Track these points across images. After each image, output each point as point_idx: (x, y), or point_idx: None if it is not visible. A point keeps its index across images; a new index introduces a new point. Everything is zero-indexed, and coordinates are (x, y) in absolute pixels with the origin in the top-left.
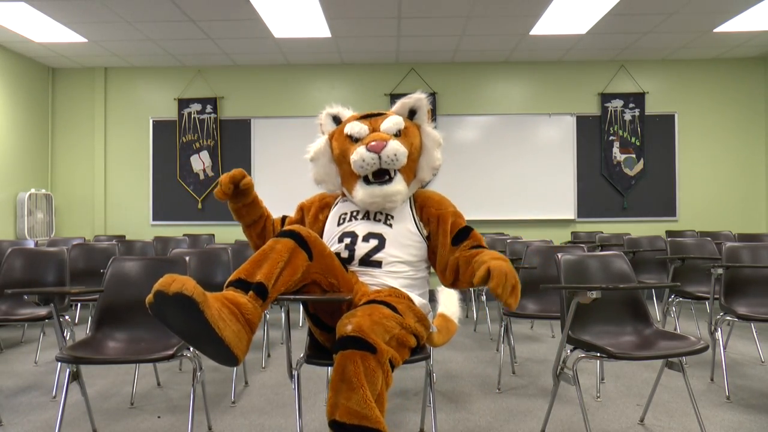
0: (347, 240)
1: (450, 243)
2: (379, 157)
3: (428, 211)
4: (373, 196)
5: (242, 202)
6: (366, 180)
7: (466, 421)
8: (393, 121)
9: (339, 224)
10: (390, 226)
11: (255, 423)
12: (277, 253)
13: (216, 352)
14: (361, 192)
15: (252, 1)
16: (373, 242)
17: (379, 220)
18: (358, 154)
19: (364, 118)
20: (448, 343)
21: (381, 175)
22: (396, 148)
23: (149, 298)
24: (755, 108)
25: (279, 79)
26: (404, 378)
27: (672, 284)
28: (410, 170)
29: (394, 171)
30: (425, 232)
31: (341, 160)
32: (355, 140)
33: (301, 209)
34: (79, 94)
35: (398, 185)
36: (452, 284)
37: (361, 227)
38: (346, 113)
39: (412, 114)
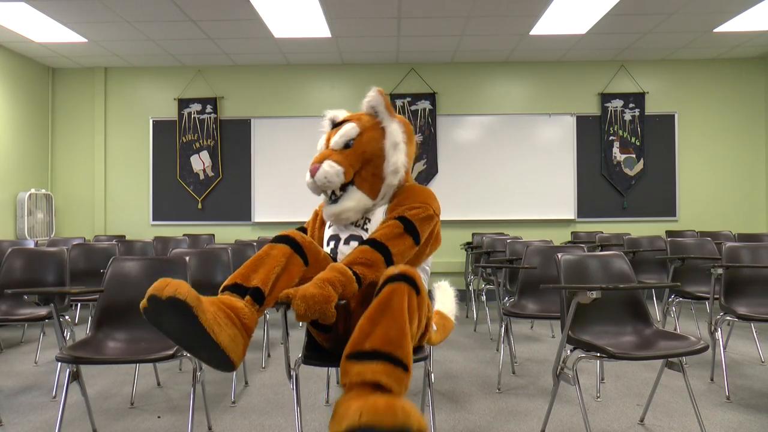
0: (332, 243)
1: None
2: (314, 182)
3: (390, 208)
4: (327, 215)
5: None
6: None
7: (465, 421)
8: (342, 133)
9: (328, 227)
10: (366, 230)
11: (255, 423)
12: (274, 259)
13: (211, 356)
14: (324, 209)
15: (252, 1)
16: (354, 244)
17: (359, 225)
18: (307, 176)
19: (336, 126)
20: (448, 343)
21: (332, 194)
22: (326, 171)
23: (143, 302)
24: (755, 108)
25: (279, 79)
26: None
27: (672, 284)
28: (372, 177)
29: (342, 188)
30: None
31: None
32: None
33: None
34: (79, 94)
35: (346, 203)
36: None
37: (343, 230)
38: (340, 116)
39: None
